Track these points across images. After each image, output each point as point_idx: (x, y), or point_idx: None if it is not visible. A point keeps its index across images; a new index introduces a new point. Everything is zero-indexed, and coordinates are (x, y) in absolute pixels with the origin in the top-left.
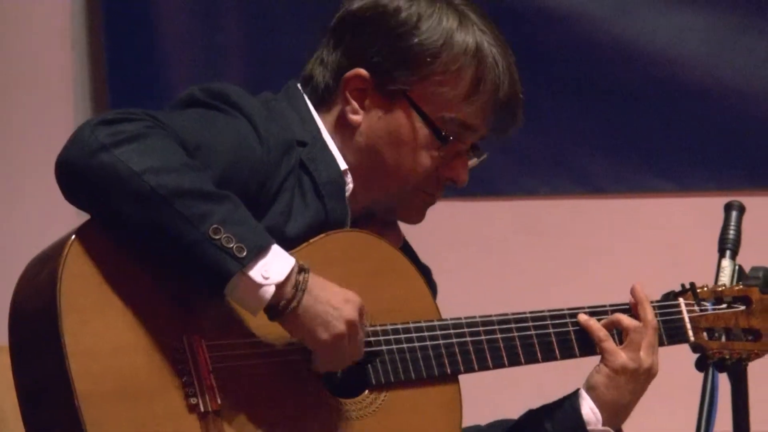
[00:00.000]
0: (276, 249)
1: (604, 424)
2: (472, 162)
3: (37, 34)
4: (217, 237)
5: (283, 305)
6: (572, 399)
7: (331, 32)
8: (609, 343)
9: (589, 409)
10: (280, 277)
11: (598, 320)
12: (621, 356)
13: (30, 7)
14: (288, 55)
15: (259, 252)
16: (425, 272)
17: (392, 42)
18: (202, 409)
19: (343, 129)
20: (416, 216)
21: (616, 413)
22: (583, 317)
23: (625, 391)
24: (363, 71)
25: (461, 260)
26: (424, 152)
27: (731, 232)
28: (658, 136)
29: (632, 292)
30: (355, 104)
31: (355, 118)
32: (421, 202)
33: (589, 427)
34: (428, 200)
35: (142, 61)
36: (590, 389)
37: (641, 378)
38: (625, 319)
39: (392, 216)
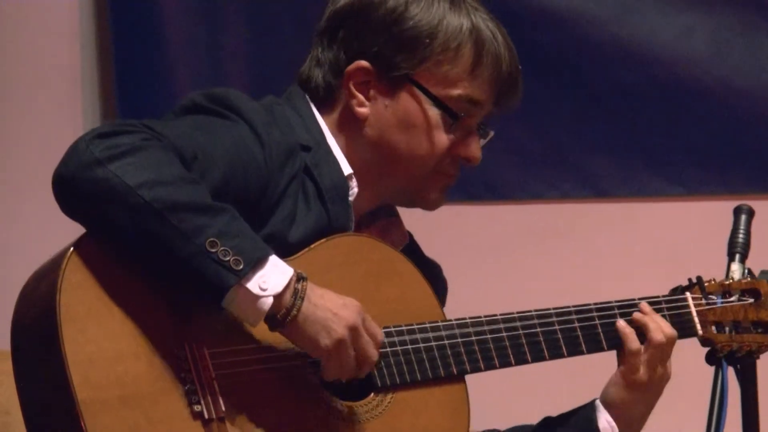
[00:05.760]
0: (273, 260)
1: None
2: (481, 142)
3: (46, 36)
4: (213, 250)
5: (283, 314)
6: (588, 411)
7: (322, 32)
8: (636, 358)
9: (605, 422)
10: (278, 288)
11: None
12: (641, 371)
13: (38, 11)
14: (293, 57)
15: (256, 264)
16: (434, 269)
17: (387, 29)
18: (206, 416)
19: (349, 127)
20: (437, 200)
21: (631, 424)
22: (621, 324)
23: (641, 403)
24: (364, 63)
25: (468, 263)
26: (436, 133)
27: (740, 235)
28: (665, 140)
29: (642, 309)
30: (360, 97)
31: (363, 110)
32: (442, 184)
33: None
34: (448, 182)
35: (149, 62)
36: (608, 405)
37: (657, 388)
38: (660, 332)
39: (411, 205)
